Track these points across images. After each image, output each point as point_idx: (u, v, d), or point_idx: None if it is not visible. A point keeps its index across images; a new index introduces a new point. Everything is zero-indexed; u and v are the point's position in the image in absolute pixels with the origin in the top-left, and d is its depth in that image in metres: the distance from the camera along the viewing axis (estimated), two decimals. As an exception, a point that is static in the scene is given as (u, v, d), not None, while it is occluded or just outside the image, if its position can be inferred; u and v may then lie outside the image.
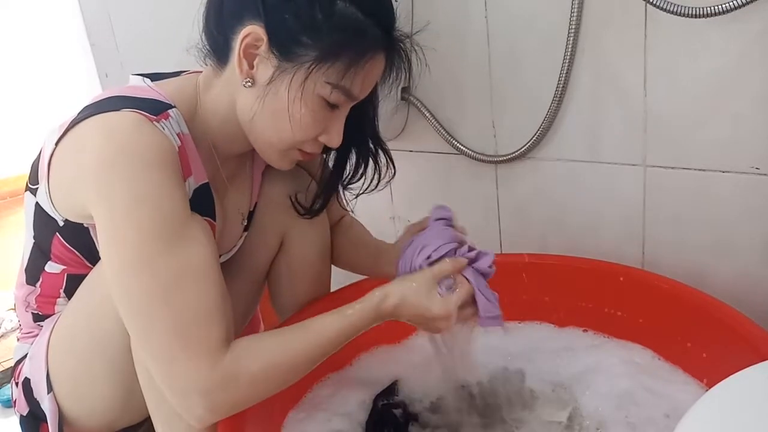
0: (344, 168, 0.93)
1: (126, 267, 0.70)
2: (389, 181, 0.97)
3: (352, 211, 1.04)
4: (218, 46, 0.80)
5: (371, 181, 0.95)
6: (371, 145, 0.93)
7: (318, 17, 0.74)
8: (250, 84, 0.78)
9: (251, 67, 0.78)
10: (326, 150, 0.91)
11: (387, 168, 0.95)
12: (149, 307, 0.70)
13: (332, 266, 1.08)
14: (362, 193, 0.96)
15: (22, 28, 3.07)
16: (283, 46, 0.75)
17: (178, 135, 0.78)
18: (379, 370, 1.03)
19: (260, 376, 0.73)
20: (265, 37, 0.75)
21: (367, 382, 1.01)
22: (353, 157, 0.93)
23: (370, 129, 0.91)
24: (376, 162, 0.94)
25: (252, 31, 0.75)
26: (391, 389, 0.98)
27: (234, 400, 0.73)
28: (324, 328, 0.77)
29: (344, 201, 0.99)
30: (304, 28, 0.75)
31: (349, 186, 0.96)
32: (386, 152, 0.95)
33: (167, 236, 0.71)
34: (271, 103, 0.78)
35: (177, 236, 0.71)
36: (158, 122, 0.74)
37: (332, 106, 0.80)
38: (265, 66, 0.77)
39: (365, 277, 1.09)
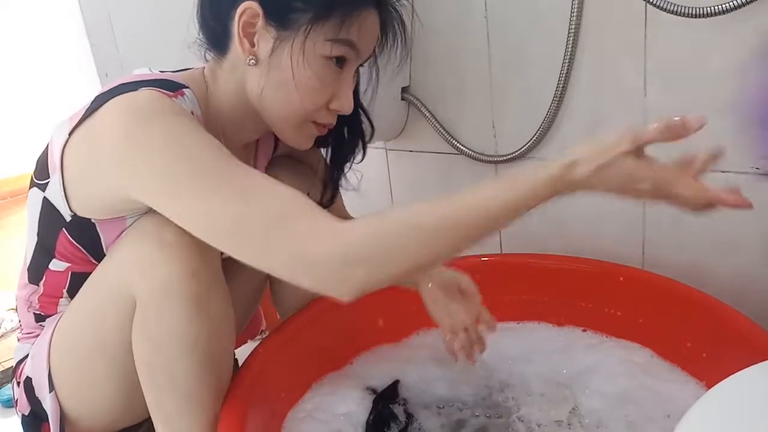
0: (342, 143, 0.93)
1: (197, 191, 0.67)
2: (369, 140, 0.95)
3: (355, 189, 1.03)
4: (217, 35, 0.81)
5: (358, 148, 0.95)
6: (355, 111, 0.90)
7: None
8: (254, 62, 0.79)
9: (252, 44, 0.79)
10: (323, 141, 0.91)
11: (371, 130, 0.95)
12: (241, 209, 0.65)
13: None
14: (351, 165, 0.96)
15: (22, 28, 3.06)
16: (278, 15, 0.77)
17: (192, 113, 0.78)
18: (380, 369, 1.03)
19: (410, 224, 0.64)
20: (260, 11, 0.76)
21: (368, 381, 1.01)
22: (344, 131, 0.93)
23: (356, 97, 0.90)
24: (360, 126, 0.94)
25: (247, 8, 0.76)
26: (391, 389, 0.98)
27: (369, 254, 0.63)
28: (485, 198, 0.65)
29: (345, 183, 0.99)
30: None
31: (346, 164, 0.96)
32: (364, 111, 0.94)
33: (224, 158, 0.69)
34: (277, 75, 0.79)
35: (231, 160, 0.69)
36: (175, 98, 0.75)
37: (338, 64, 0.80)
38: (265, 40, 0.78)
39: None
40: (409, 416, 0.94)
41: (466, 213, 0.64)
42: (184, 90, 0.78)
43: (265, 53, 0.78)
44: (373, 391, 0.98)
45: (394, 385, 0.99)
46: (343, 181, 1.00)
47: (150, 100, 0.72)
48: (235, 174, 0.68)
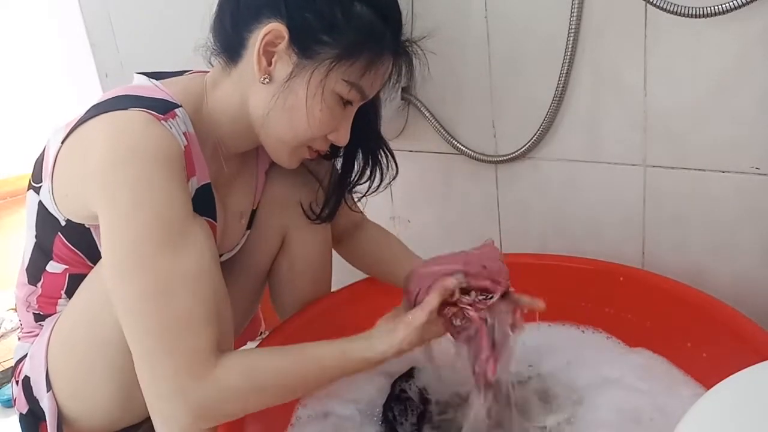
0: (351, 171, 0.94)
1: (122, 267, 0.71)
2: (390, 181, 0.97)
3: (362, 212, 1.04)
4: (230, 44, 0.81)
5: (374, 182, 0.95)
6: (375, 147, 0.94)
7: (338, 17, 0.76)
8: (267, 80, 0.79)
9: (269, 64, 0.79)
10: (333, 154, 0.92)
11: (389, 168, 0.96)
12: (141, 309, 0.70)
13: (332, 266, 1.08)
14: (366, 195, 0.97)
15: (22, 28, 3.07)
16: (304, 44, 0.77)
17: (184, 134, 0.78)
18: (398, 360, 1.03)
19: (248, 396, 0.73)
20: (286, 35, 0.76)
21: (386, 370, 0.99)
22: (359, 160, 0.94)
23: (374, 130, 0.93)
24: (379, 163, 0.95)
25: (273, 29, 0.76)
26: (409, 374, 0.98)
27: (218, 413, 0.73)
28: (321, 358, 0.77)
29: (351, 202, 1.00)
30: (324, 27, 0.76)
31: (354, 189, 0.97)
32: (389, 152, 0.96)
33: (165, 240, 0.70)
34: (289, 100, 0.79)
35: (175, 241, 0.71)
36: (165, 121, 0.75)
37: (345, 104, 0.81)
38: (284, 63, 0.78)
39: (366, 276, 1.09)
40: (426, 401, 0.94)
41: (305, 377, 0.76)
42: (175, 111, 0.77)
43: (280, 76, 0.79)
44: (391, 378, 0.98)
45: (412, 371, 0.99)
46: (352, 198, 1.00)
47: (138, 127, 0.72)
48: (164, 266, 0.70)
